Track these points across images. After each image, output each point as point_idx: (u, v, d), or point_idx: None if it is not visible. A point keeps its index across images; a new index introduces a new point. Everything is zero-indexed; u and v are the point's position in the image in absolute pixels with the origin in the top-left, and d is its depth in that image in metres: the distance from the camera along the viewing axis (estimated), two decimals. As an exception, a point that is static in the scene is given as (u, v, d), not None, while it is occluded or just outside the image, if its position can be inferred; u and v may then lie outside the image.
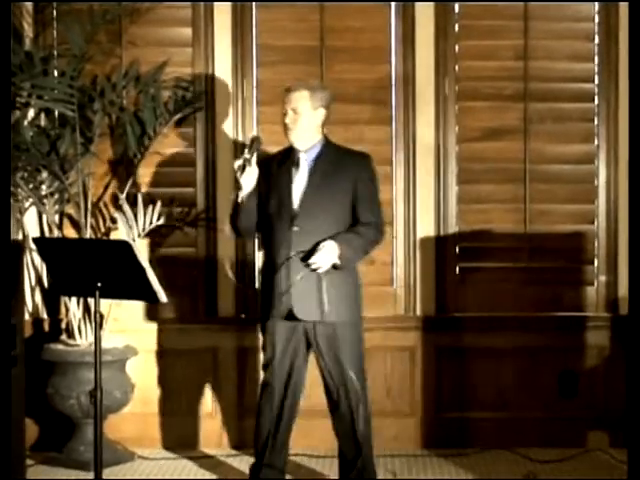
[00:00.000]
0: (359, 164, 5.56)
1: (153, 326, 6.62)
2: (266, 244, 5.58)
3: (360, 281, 5.58)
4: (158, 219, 6.41)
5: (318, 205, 5.45)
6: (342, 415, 5.54)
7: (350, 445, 5.54)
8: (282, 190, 5.47)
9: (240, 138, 6.59)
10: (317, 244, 5.35)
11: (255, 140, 5.49)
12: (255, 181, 5.44)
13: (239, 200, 5.45)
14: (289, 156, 5.50)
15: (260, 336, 5.67)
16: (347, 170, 5.50)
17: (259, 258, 6.40)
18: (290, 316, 5.43)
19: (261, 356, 5.68)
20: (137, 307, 6.52)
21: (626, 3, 6.48)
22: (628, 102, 5.22)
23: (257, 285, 6.47)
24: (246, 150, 5.44)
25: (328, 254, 5.31)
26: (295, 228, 5.40)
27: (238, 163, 5.41)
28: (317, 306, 5.39)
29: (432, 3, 6.56)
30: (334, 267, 5.37)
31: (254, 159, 5.41)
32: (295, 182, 5.49)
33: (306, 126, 5.48)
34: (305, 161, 5.52)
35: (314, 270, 5.32)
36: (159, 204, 6.39)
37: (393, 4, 6.57)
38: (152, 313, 6.59)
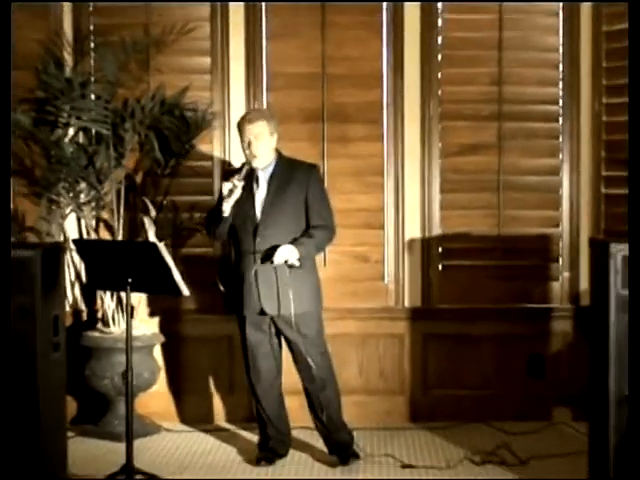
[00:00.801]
0: (309, 175, 5.60)
1: (177, 316, 6.64)
2: (236, 251, 5.64)
3: (318, 278, 5.66)
4: (181, 223, 6.43)
5: (276, 217, 5.50)
6: (311, 395, 5.67)
7: (321, 424, 5.68)
8: (246, 205, 5.50)
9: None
10: (276, 246, 5.40)
11: (245, 167, 5.47)
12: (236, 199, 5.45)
13: (225, 214, 5.43)
14: (249, 174, 5.49)
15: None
16: (298, 181, 5.55)
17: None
18: (261, 312, 5.50)
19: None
20: (163, 300, 6.53)
21: (586, 36, 6.51)
22: (628, 102, 5.19)
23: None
24: (237, 176, 5.42)
25: (285, 253, 5.37)
26: (258, 239, 5.47)
27: (228, 187, 5.39)
28: (282, 302, 5.43)
29: (418, 35, 6.56)
30: (290, 266, 5.41)
31: (241, 184, 5.41)
32: (257, 197, 5.53)
33: (266, 150, 5.52)
34: (264, 178, 5.56)
35: (274, 266, 5.40)
36: (182, 210, 6.41)
37: (385, 36, 6.58)
38: (176, 305, 6.60)
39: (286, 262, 5.40)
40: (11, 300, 4.64)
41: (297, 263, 5.41)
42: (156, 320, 6.57)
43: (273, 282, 5.45)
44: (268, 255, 5.42)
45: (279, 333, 5.63)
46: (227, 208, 5.42)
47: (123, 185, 6.42)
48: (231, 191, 5.39)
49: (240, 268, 5.56)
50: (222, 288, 6.10)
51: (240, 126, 5.57)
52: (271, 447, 5.73)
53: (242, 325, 5.65)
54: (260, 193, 5.55)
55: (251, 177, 5.52)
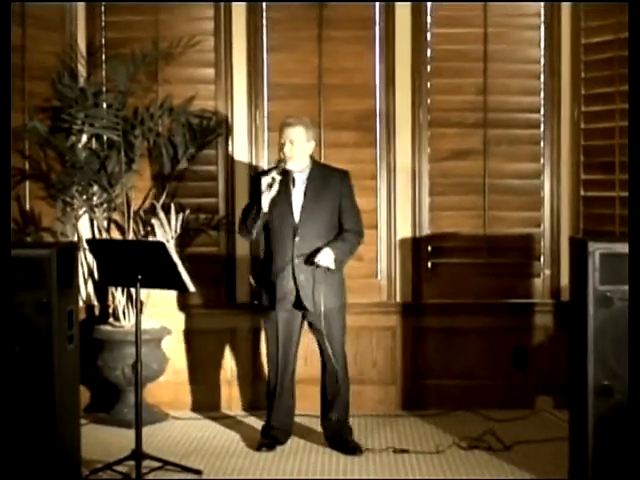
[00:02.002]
0: (342, 180, 5.64)
1: (183, 311, 6.62)
2: (268, 250, 5.61)
3: (344, 278, 5.68)
4: (187, 224, 6.41)
5: (314, 219, 5.52)
6: (326, 386, 5.69)
7: (328, 417, 5.70)
8: (283, 206, 5.51)
9: (253, 158, 6.59)
10: (316, 250, 5.44)
11: (282, 162, 5.49)
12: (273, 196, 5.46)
13: (264, 209, 5.42)
14: (285, 179, 5.49)
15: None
16: (333, 186, 5.60)
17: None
18: (295, 306, 5.52)
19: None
20: (171, 295, 6.52)
21: (566, 48, 6.51)
22: (628, 102, 5.17)
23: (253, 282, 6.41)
24: (275, 171, 5.43)
25: (327, 256, 5.41)
26: (297, 239, 5.48)
27: (267, 181, 5.40)
28: (316, 298, 5.45)
29: (409, 48, 6.56)
30: (328, 269, 5.46)
31: (278, 180, 5.42)
32: (294, 199, 5.54)
33: (300, 154, 5.54)
34: (300, 181, 5.57)
35: (316, 267, 5.42)
36: (188, 212, 6.40)
37: (377, 50, 6.57)
38: (182, 300, 6.59)
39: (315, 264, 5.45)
40: (28, 296, 4.64)
41: (332, 266, 5.46)
42: (164, 315, 6.54)
43: (310, 280, 5.47)
44: (309, 257, 5.46)
45: (302, 328, 5.66)
46: (266, 203, 5.42)
47: (133, 188, 6.42)
48: (270, 185, 5.40)
49: (275, 266, 5.53)
50: (254, 284, 6.08)
51: (280, 129, 5.61)
52: (273, 435, 5.72)
53: (271, 319, 5.63)
54: (297, 195, 5.56)
55: (287, 179, 5.52)
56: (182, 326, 6.60)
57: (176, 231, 6.31)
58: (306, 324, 5.67)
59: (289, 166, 5.52)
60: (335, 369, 5.61)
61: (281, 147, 5.56)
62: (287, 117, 5.68)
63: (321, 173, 5.65)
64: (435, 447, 5.70)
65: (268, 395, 5.75)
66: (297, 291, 5.50)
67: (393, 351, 6.63)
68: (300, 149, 5.54)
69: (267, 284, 5.61)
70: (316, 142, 5.72)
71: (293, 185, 5.56)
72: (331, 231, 5.57)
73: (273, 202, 5.46)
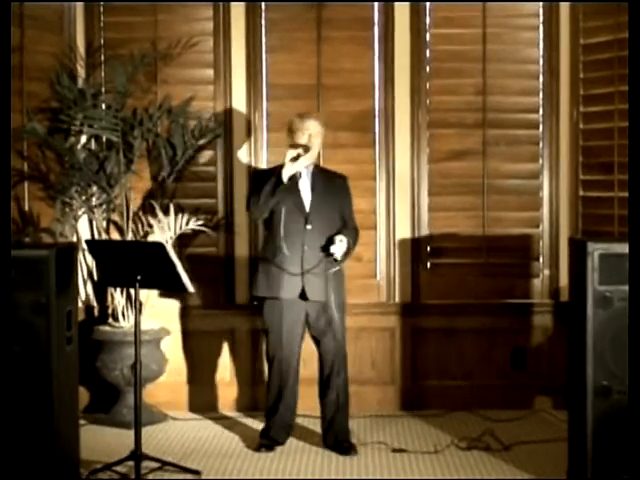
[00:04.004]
0: (343, 183, 5.76)
1: (182, 311, 6.62)
2: (275, 237, 5.54)
3: (344, 273, 5.71)
4: (186, 224, 6.41)
5: (323, 210, 5.57)
6: (327, 380, 5.66)
7: (331, 405, 5.67)
8: (292, 195, 5.53)
9: (252, 159, 6.58)
10: (329, 238, 5.48)
11: (306, 148, 5.50)
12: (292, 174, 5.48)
13: (284, 180, 5.41)
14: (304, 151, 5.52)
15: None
16: (337, 187, 5.70)
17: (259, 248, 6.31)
18: (300, 296, 5.52)
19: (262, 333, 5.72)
20: (170, 296, 6.52)
21: (565, 49, 6.51)
22: (628, 102, 5.16)
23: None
24: (301, 149, 5.45)
25: (341, 244, 5.45)
26: (308, 226, 5.51)
27: (293, 154, 5.43)
28: (323, 290, 5.48)
29: (408, 49, 6.56)
30: (335, 260, 5.48)
31: (302, 158, 5.45)
32: (302, 190, 5.58)
33: (315, 149, 5.63)
34: (306, 175, 5.62)
35: (331, 256, 5.46)
36: (187, 212, 6.39)
37: (377, 50, 6.57)
38: (181, 301, 6.58)
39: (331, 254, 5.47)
40: (27, 296, 4.64)
41: (339, 257, 5.48)
42: (163, 315, 6.54)
43: (318, 270, 5.48)
44: (325, 246, 5.49)
45: (305, 324, 5.64)
46: (287, 174, 5.43)
47: (132, 189, 6.41)
48: (294, 159, 5.42)
49: (283, 252, 5.49)
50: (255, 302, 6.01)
51: (300, 121, 5.62)
52: (272, 436, 5.71)
53: (274, 311, 5.60)
54: (304, 187, 5.61)
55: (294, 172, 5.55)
56: (181, 327, 6.60)
57: (175, 232, 6.30)
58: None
59: (307, 154, 5.52)
60: (334, 358, 5.60)
61: (305, 138, 5.55)
62: (304, 113, 5.75)
63: (323, 174, 5.74)
64: (434, 447, 5.70)
65: (270, 394, 5.70)
66: (303, 280, 5.49)
67: (392, 351, 6.63)
68: (317, 142, 5.62)
69: (270, 272, 5.56)
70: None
71: (300, 177, 5.60)
72: (335, 227, 5.60)
73: (285, 187, 5.46)
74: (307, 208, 5.55)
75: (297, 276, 5.49)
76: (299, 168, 5.50)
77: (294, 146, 5.53)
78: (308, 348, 5.80)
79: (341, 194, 5.70)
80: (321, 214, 5.55)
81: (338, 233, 5.52)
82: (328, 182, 5.67)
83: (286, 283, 5.52)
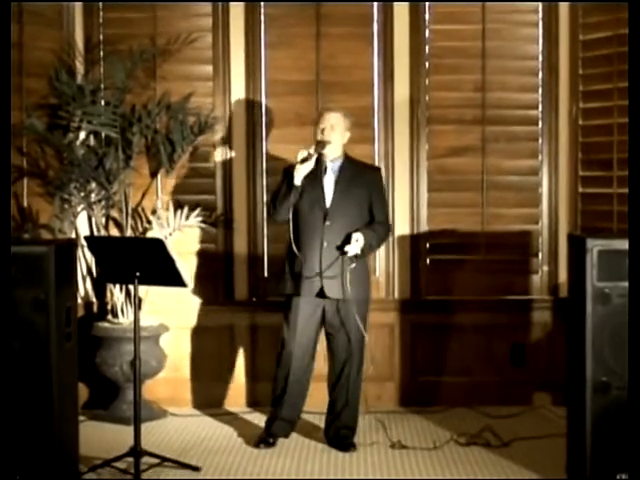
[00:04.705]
0: (375, 175, 5.70)
1: (182, 307, 6.62)
2: (296, 234, 5.48)
3: (369, 268, 5.72)
4: (185, 220, 6.41)
5: (344, 206, 5.52)
6: (342, 383, 5.65)
7: (342, 396, 5.65)
8: (314, 191, 5.50)
9: (251, 155, 6.58)
10: (348, 235, 5.43)
11: (320, 144, 5.48)
12: (305, 174, 5.44)
13: (296, 183, 5.39)
14: (316, 165, 5.48)
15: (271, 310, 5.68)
16: (366, 180, 5.61)
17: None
18: (319, 294, 5.50)
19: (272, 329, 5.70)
20: (169, 292, 6.50)
21: (564, 45, 6.51)
22: (628, 99, 5.15)
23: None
24: (312, 148, 5.42)
25: (356, 243, 5.39)
26: (327, 223, 5.47)
27: (303, 155, 5.40)
28: (340, 288, 5.46)
29: (407, 45, 6.56)
30: (355, 256, 5.44)
31: (314, 158, 5.42)
32: (325, 185, 5.54)
33: (337, 141, 5.57)
34: (331, 170, 5.58)
35: (346, 254, 5.40)
36: (186, 208, 6.39)
37: (376, 46, 6.57)
38: (181, 297, 6.57)
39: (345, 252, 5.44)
40: (26, 293, 4.63)
41: (359, 252, 5.43)
42: (162, 311, 6.54)
43: (336, 267, 5.46)
44: (341, 246, 5.44)
45: (324, 321, 5.61)
46: (299, 177, 5.41)
47: (131, 185, 6.41)
48: (305, 160, 5.39)
49: (303, 250, 5.46)
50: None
51: (320, 114, 5.66)
52: (272, 431, 5.69)
53: (293, 308, 5.56)
54: (328, 182, 5.55)
55: (320, 166, 5.52)
56: (180, 323, 6.59)
57: (174, 228, 6.30)
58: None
59: (327, 151, 5.51)
60: (349, 377, 5.61)
61: (320, 132, 5.54)
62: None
63: (353, 166, 5.65)
64: (433, 443, 5.70)
65: (275, 388, 5.67)
66: (321, 278, 5.45)
67: (391, 348, 6.64)
68: (339, 135, 5.57)
69: (291, 269, 5.54)
70: (350, 135, 5.69)
71: (325, 173, 5.56)
72: (360, 222, 5.53)
73: (304, 186, 5.44)
74: (327, 204, 5.51)
75: (316, 272, 5.45)
76: (310, 167, 5.42)
77: (318, 144, 5.51)
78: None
79: (369, 186, 5.60)
80: (343, 210, 5.49)
81: (357, 230, 5.46)
82: (356, 175, 5.59)
83: (305, 282, 5.49)
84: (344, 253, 5.42)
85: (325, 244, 5.47)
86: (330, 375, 5.72)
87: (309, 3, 6.54)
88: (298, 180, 5.41)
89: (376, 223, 5.59)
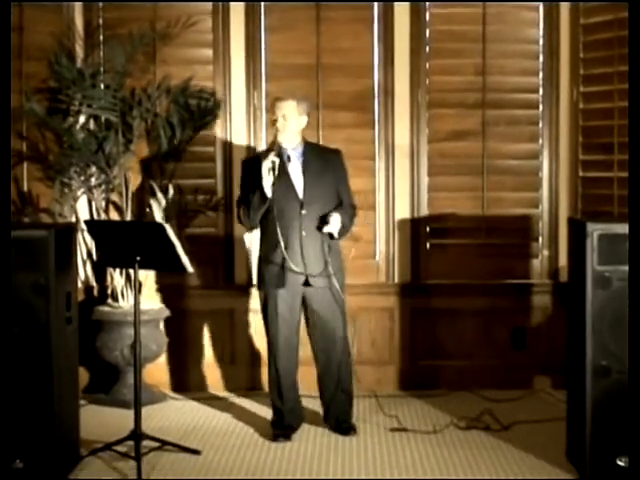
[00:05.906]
0: (338, 159, 5.64)
1: (182, 291, 6.62)
2: (272, 228, 5.45)
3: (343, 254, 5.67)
4: (185, 205, 6.40)
5: (317, 193, 5.48)
6: (331, 370, 5.62)
7: (329, 387, 5.65)
8: (284, 183, 5.45)
9: (251, 139, 6.58)
10: (324, 216, 5.42)
11: (277, 146, 5.43)
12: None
13: (268, 195, 5.34)
14: (279, 154, 5.41)
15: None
16: (331, 164, 5.59)
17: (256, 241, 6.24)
18: (304, 284, 5.48)
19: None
20: (169, 276, 6.51)
21: (565, 29, 6.49)
22: (628, 82, 5.13)
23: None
24: (272, 153, 5.35)
25: (335, 221, 5.39)
26: (304, 212, 5.44)
27: (268, 165, 5.32)
28: (324, 276, 5.45)
29: (408, 28, 6.54)
30: (331, 237, 5.44)
31: (278, 160, 5.36)
32: (292, 174, 5.49)
33: (293, 129, 5.50)
34: (295, 157, 5.53)
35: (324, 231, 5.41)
36: (186, 193, 6.39)
37: (376, 30, 6.55)
38: (181, 281, 6.57)
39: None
40: (26, 277, 4.63)
41: (336, 233, 5.44)
42: (162, 295, 6.54)
43: (318, 248, 5.45)
44: (320, 222, 5.43)
45: (302, 310, 5.59)
46: (269, 189, 5.36)
47: (131, 169, 6.41)
48: (271, 169, 5.34)
49: (282, 243, 5.39)
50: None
51: (271, 104, 5.63)
52: (287, 424, 5.63)
53: (272, 301, 5.53)
54: (295, 171, 5.51)
55: (282, 157, 5.46)
56: (181, 307, 6.59)
57: (174, 212, 6.29)
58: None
59: (283, 142, 5.47)
60: (338, 364, 5.59)
61: (273, 123, 5.53)
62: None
63: (316, 151, 5.64)
64: (433, 427, 5.71)
65: (276, 382, 5.61)
66: (304, 266, 5.43)
67: (391, 332, 6.64)
68: (293, 123, 5.49)
69: (270, 261, 5.50)
70: (309, 118, 5.63)
71: (289, 161, 5.52)
72: (332, 206, 5.51)
73: (273, 180, 5.41)
74: (300, 193, 5.47)
75: (298, 260, 5.42)
76: (275, 174, 5.36)
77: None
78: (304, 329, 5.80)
79: (335, 169, 5.59)
80: (316, 196, 5.47)
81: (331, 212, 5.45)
82: (320, 160, 5.57)
83: (289, 274, 5.44)
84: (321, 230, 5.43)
85: (304, 233, 5.44)
86: (316, 363, 5.68)
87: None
88: (269, 191, 5.35)
89: (345, 205, 5.58)
